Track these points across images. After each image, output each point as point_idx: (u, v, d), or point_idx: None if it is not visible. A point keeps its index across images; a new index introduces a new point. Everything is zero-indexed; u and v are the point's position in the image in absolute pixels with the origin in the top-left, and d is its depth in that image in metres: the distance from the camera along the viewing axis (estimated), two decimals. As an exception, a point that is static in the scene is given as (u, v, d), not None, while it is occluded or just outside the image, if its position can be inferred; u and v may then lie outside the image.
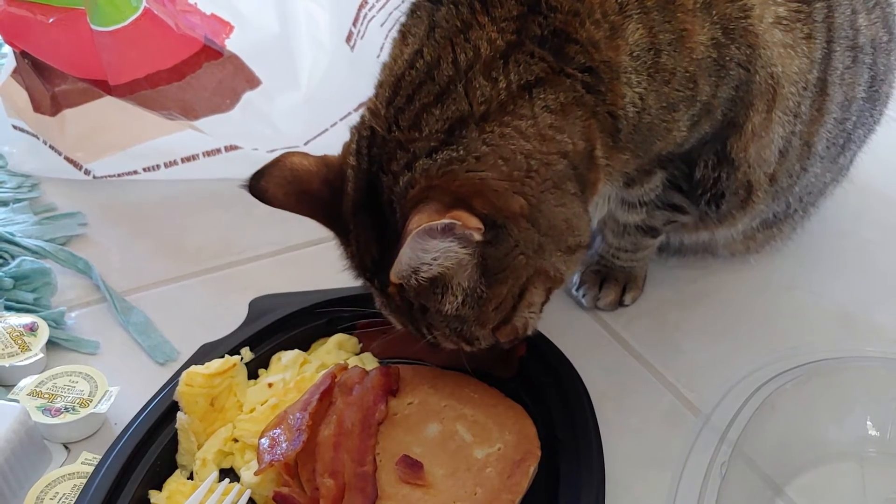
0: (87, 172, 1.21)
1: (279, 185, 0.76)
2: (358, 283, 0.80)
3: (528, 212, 0.72)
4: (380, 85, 0.77)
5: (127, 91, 1.10)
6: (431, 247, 0.69)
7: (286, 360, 0.88)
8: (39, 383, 0.87)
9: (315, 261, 1.07)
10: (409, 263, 0.70)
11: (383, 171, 0.73)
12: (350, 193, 0.75)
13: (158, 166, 1.21)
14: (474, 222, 0.68)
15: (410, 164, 0.71)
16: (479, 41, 0.73)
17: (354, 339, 0.91)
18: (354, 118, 0.79)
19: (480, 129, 0.71)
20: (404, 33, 0.80)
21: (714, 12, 0.77)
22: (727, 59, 0.79)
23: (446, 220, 0.66)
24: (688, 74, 0.78)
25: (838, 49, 0.88)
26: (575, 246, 0.77)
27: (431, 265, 0.71)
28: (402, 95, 0.74)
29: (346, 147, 0.78)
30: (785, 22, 0.82)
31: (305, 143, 1.18)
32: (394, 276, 0.70)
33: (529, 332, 0.80)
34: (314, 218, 0.78)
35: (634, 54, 0.75)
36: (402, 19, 0.81)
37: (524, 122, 0.72)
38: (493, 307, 0.75)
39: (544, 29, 0.73)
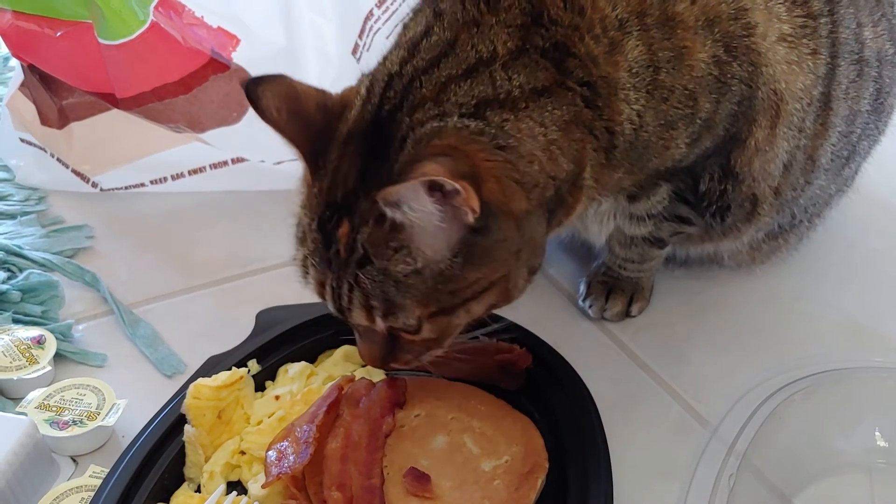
0: (94, 185, 1.22)
1: (276, 95, 0.73)
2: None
3: (522, 217, 0.72)
4: (391, 51, 0.77)
5: (134, 104, 1.10)
6: (422, 199, 0.66)
7: (293, 373, 0.88)
8: (47, 396, 0.87)
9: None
10: (398, 197, 0.67)
11: (402, 111, 0.71)
12: (350, 120, 0.74)
13: (165, 179, 1.21)
14: (475, 202, 0.66)
15: (442, 117, 0.70)
16: (495, 39, 0.73)
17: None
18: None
19: (503, 115, 0.71)
20: (406, 26, 0.80)
21: (716, 30, 0.77)
22: (728, 76, 0.79)
23: (457, 185, 0.65)
24: (687, 92, 0.77)
25: (843, 63, 0.87)
26: (534, 268, 0.76)
27: (407, 213, 0.67)
28: (421, 58, 0.73)
29: (351, 89, 0.76)
30: (790, 39, 0.81)
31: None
32: (381, 195, 0.66)
33: (440, 349, 0.76)
34: (295, 141, 0.74)
35: (633, 71, 0.75)
36: (405, 20, 0.82)
37: (538, 127, 0.72)
38: (449, 289, 0.71)
39: (546, 41, 0.73)
